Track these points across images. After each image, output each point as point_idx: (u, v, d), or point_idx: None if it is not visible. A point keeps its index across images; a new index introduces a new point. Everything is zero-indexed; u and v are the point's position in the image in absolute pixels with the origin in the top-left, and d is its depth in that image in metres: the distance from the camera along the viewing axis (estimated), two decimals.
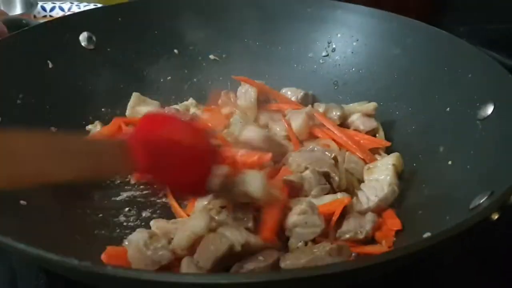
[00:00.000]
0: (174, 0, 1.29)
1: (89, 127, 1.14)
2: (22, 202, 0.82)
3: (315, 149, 0.99)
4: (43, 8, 1.66)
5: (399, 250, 0.61)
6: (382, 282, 0.81)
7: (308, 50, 1.27)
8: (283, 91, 1.21)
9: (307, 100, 1.20)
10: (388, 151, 1.06)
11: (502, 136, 0.82)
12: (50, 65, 1.11)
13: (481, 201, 0.70)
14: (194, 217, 0.84)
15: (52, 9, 1.64)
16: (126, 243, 0.83)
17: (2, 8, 1.68)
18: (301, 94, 1.19)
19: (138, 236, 0.81)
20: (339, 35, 1.24)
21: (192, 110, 1.19)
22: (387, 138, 1.09)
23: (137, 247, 0.78)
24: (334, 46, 1.25)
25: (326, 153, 0.97)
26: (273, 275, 0.57)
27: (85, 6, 1.62)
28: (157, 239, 0.80)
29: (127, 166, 0.66)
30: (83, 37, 1.18)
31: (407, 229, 0.86)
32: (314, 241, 0.83)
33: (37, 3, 1.67)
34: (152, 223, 0.89)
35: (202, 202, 0.88)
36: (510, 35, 1.43)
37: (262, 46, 1.29)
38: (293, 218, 0.83)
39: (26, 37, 1.09)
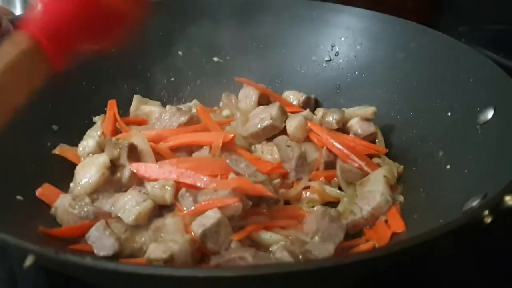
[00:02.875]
0: (180, 2, 1.30)
1: (95, 119, 1.14)
2: None
3: None
4: None
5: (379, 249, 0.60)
6: (378, 283, 0.81)
7: (311, 54, 1.27)
8: (285, 94, 1.21)
9: (309, 104, 1.20)
10: (389, 155, 1.06)
11: (500, 141, 0.82)
12: None
13: (474, 204, 0.69)
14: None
15: None
16: (53, 210, 0.89)
17: None
18: (303, 97, 1.19)
19: (62, 200, 0.87)
20: (342, 39, 1.24)
21: (195, 111, 1.19)
22: (387, 141, 1.08)
23: (63, 209, 0.86)
24: (337, 49, 1.25)
25: None
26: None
27: None
28: (80, 199, 0.87)
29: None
30: None
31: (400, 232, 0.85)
32: None
33: None
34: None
35: None
36: (509, 36, 1.42)
37: (266, 49, 1.29)
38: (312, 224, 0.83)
39: None
